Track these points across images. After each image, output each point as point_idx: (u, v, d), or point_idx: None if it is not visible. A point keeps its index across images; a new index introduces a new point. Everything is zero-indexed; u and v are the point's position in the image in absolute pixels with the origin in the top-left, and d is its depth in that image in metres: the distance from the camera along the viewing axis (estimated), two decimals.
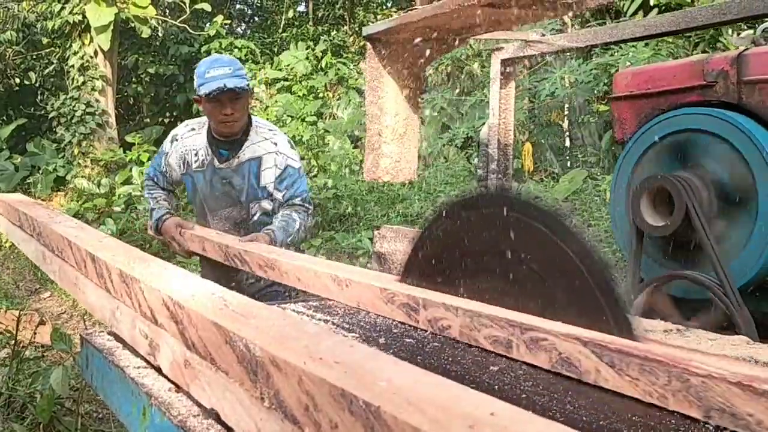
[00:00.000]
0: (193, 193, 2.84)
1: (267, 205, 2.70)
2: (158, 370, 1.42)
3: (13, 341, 3.74)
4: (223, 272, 2.50)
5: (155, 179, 2.90)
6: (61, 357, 4.58)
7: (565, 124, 8.48)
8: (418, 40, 1.94)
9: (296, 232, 2.55)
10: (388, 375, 0.87)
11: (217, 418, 1.15)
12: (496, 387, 1.27)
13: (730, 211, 2.40)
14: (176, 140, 2.80)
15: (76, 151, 10.14)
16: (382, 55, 1.88)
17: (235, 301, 1.31)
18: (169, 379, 1.35)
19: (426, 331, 1.58)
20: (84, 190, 8.87)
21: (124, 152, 10.40)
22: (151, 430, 1.23)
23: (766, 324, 2.28)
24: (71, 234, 2.21)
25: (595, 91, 7.66)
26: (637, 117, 2.65)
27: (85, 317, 5.86)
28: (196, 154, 2.74)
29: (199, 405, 1.22)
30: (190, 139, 2.77)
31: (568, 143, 8.47)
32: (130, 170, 9.10)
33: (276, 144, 2.68)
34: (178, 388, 1.31)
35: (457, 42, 2.06)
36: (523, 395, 1.22)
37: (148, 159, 9.75)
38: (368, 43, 1.83)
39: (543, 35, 2.23)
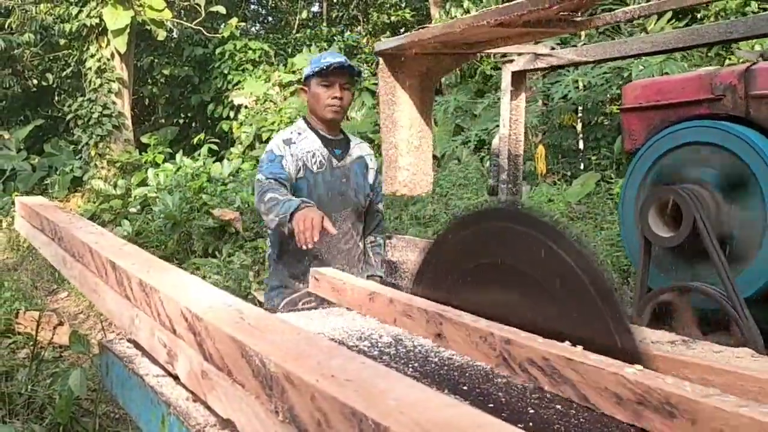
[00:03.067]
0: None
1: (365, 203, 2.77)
2: (176, 378, 1.47)
3: (32, 343, 3.82)
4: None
5: (277, 179, 2.59)
6: (78, 357, 4.67)
7: (579, 127, 8.47)
8: (429, 54, 1.98)
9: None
10: (397, 394, 0.91)
11: (234, 429, 1.19)
12: (503, 400, 1.30)
13: (738, 224, 2.42)
14: (292, 143, 2.68)
15: (93, 153, 10.26)
16: (395, 69, 1.92)
17: (251, 314, 1.35)
18: (187, 388, 1.40)
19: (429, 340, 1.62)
20: (100, 191, 8.98)
21: (140, 153, 10.52)
22: None
23: None
24: (91, 240, 2.25)
25: (608, 95, 7.65)
26: (646, 129, 2.68)
27: (101, 318, 5.95)
28: (313, 156, 2.67)
29: (216, 415, 1.27)
30: (304, 142, 2.69)
31: (581, 146, 8.47)
32: (146, 172, 9.20)
33: (370, 148, 2.82)
34: (196, 398, 1.35)
35: (467, 57, 2.10)
36: (531, 409, 1.25)
37: (164, 161, 9.83)
38: (380, 59, 1.87)
39: (553, 48, 2.26)
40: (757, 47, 5.43)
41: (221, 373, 1.25)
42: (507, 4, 1.48)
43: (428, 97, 2.00)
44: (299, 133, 2.71)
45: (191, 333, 1.37)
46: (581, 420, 1.22)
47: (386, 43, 1.80)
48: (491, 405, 1.27)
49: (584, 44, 5.42)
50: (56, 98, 13.24)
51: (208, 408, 1.29)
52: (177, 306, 1.44)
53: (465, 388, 1.36)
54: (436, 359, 1.52)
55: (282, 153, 2.65)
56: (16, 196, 9.98)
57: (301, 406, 0.98)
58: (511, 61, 2.36)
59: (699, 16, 7.43)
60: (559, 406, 1.28)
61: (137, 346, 1.70)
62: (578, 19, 1.66)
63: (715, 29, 1.84)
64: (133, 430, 3.27)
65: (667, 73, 5.96)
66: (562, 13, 1.57)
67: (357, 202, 2.71)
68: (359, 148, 2.75)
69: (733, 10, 6.54)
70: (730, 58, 6.63)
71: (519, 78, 2.39)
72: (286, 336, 1.20)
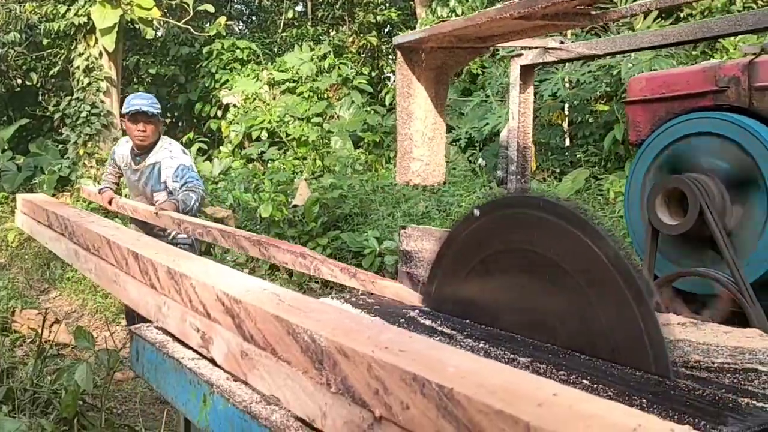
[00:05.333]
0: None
1: (164, 196, 3.80)
2: (211, 361, 1.50)
3: (30, 340, 3.81)
4: (144, 226, 3.79)
5: (115, 160, 4.25)
6: (76, 354, 4.65)
7: (565, 125, 8.57)
8: (444, 48, 2.02)
9: (193, 204, 3.62)
10: (454, 362, 0.95)
11: (279, 404, 1.23)
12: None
13: (741, 211, 2.50)
14: (117, 146, 4.29)
15: (81, 152, 10.18)
16: (412, 62, 1.97)
17: (288, 296, 1.39)
18: (224, 369, 1.43)
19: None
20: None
21: None
22: (213, 415, 1.31)
23: None
24: (108, 233, 2.28)
25: (598, 92, 7.75)
26: (651, 120, 2.76)
27: (96, 317, 5.93)
28: (122, 159, 4.12)
29: (258, 392, 1.31)
30: (122, 147, 4.17)
31: (568, 143, 8.57)
32: None
33: (171, 151, 3.90)
34: (235, 378, 1.39)
35: (480, 50, 2.13)
36: (563, 376, 1.30)
37: None
38: (399, 52, 1.91)
39: (562, 42, 2.32)
40: (741, 43, 5.53)
41: (264, 352, 1.28)
42: None
43: (443, 90, 2.04)
44: (126, 142, 4.14)
45: (229, 316, 1.40)
46: (610, 394, 1.27)
47: (406, 36, 1.84)
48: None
49: (572, 41, 5.49)
50: (41, 98, 13.12)
51: (249, 386, 1.33)
52: (212, 291, 1.48)
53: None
54: (463, 344, 1.57)
55: (115, 149, 4.32)
56: (3, 195, 9.88)
57: (356, 376, 1.02)
58: (520, 54, 2.42)
59: (683, 15, 7.54)
60: (586, 381, 1.33)
61: (166, 332, 1.73)
62: (594, 12, 1.72)
63: (724, 23, 1.91)
64: (143, 422, 3.28)
65: (655, 71, 6.06)
66: (579, 7, 1.63)
67: (147, 192, 3.93)
68: (155, 157, 3.88)
69: (718, 9, 6.65)
70: (713, 56, 6.74)
71: (528, 71, 2.46)
72: (330, 315, 1.24)
